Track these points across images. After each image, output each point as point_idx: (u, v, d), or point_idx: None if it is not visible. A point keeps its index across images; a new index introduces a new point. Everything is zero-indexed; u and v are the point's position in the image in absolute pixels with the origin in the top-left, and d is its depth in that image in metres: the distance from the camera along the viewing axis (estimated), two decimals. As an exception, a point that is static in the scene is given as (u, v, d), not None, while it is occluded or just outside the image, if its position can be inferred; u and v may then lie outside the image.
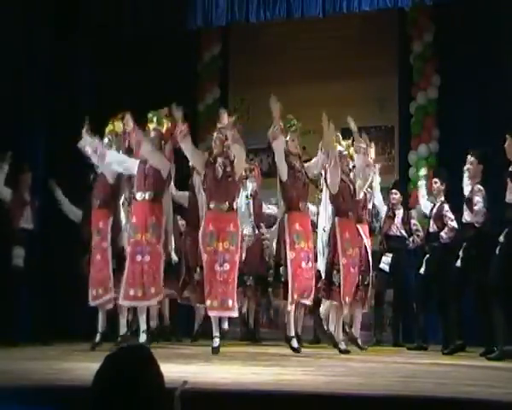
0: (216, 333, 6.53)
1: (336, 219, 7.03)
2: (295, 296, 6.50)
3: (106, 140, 7.13)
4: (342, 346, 6.95)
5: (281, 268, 6.61)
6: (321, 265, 7.20)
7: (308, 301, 6.74)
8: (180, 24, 9.28)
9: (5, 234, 7.65)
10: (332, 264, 6.96)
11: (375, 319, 8.61)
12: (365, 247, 7.48)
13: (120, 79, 9.37)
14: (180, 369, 4.82)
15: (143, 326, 6.73)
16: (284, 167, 6.70)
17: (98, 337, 6.96)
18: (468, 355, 6.92)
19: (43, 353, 6.42)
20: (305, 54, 10.45)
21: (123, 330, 6.96)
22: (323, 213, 7.27)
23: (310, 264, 6.66)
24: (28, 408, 2.63)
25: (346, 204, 7.06)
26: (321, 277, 7.05)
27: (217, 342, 6.49)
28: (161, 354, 5.93)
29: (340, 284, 6.85)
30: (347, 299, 6.93)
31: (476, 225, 6.84)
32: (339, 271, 6.89)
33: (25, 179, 7.90)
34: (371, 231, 8.21)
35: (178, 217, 8.82)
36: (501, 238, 6.29)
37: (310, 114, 10.21)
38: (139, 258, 6.54)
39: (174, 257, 7.56)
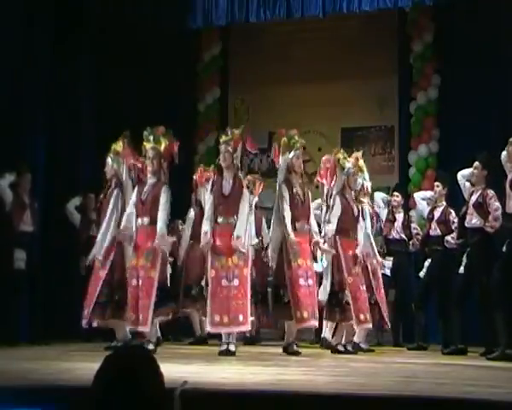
0: (225, 339, 6.48)
1: (337, 237, 6.98)
2: (304, 314, 6.42)
3: (109, 159, 7.04)
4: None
5: (281, 290, 6.57)
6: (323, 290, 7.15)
7: (314, 323, 6.66)
8: (180, 24, 9.28)
9: (6, 237, 7.65)
10: (340, 284, 6.89)
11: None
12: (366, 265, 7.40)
13: (120, 79, 9.37)
14: (180, 369, 4.82)
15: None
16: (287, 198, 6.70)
17: (115, 343, 6.93)
18: (468, 355, 6.91)
19: (43, 353, 6.41)
20: (304, 54, 10.45)
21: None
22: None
23: (310, 281, 6.59)
24: (28, 408, 2.62)
25: (348, 223, 7.01)
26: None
27: (224, 346, 6.45)
28: (161, 354, 5.94)
29: (349, 302, 6.80)
30: (362, 316, 6.83)
31: (490, 230, 6.78)
32: (346, 290, 6.84)
33: (24, 181, 7.88)
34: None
35: (180, 221, 8.83)
36: (504, 249, 6.28)
37: (310, 114, 10.27)
38: (134, 282, 6.44)
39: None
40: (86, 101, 9.35)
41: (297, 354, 6.53)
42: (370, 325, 7.03)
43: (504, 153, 6.40)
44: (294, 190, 6.72)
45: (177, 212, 8.71)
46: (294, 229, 6.60)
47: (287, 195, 6.68)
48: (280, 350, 6.78)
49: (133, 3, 9.53)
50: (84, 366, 4.69)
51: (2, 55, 8.14)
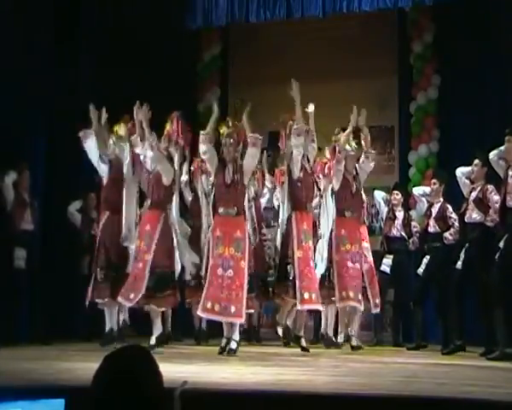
0: (226, 334, 6.49)
1: (334, 217, 7.09)
2: (305, 296, 6.47)
3: (111, 141, 7.12)
4: (354, 342, 7.06)
5: (288, 266, 6.59)
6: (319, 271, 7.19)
7: (318, 306, 6.70)
8: (180, 24, 9.28)
9: (6, 236, 7.66)
10: (329, 262, 7.03)
11: (375, 320, 8.61)
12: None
13: (120, 79, 9.36)
14: (180, 369, 4.82)
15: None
16: (300, 164, 6.72)
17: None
18: (468, 355, 6.91)
19: (43, 353, 6.41)
20: (305, 54, 10.44)
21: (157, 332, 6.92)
22: (325, 220, 7.29)
23: (312, 263, 6.70)
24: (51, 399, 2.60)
25: (346, 202, 7.10)
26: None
27: (224, 341, 6.48)
28: (161, 353, 5.94)
29: (332, 281, 6.92)
30: (344, 293, 6.93)
31: (490, 223, 6.81)
32: (332, 267, 6.98)
33: (24, 180, 7.89)
34: (371, 232, 8.21)
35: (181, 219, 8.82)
36: (501, 244, 6.28)
37: (310, 114, 10.24)
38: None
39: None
40: (86, 101, 9.34)
41: (305, 350, 6.56)
42: (353, 303, 7.06)
43: (495, 151, 6.43)
44: (306, 171, 6.79)
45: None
46: (305, 209, 6.73)
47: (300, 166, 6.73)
48: (280, 350, 6.79)
49: (133, 3, 9.52)
50: (84, 366, 4.70)
51: (3, 55, 8.13)
